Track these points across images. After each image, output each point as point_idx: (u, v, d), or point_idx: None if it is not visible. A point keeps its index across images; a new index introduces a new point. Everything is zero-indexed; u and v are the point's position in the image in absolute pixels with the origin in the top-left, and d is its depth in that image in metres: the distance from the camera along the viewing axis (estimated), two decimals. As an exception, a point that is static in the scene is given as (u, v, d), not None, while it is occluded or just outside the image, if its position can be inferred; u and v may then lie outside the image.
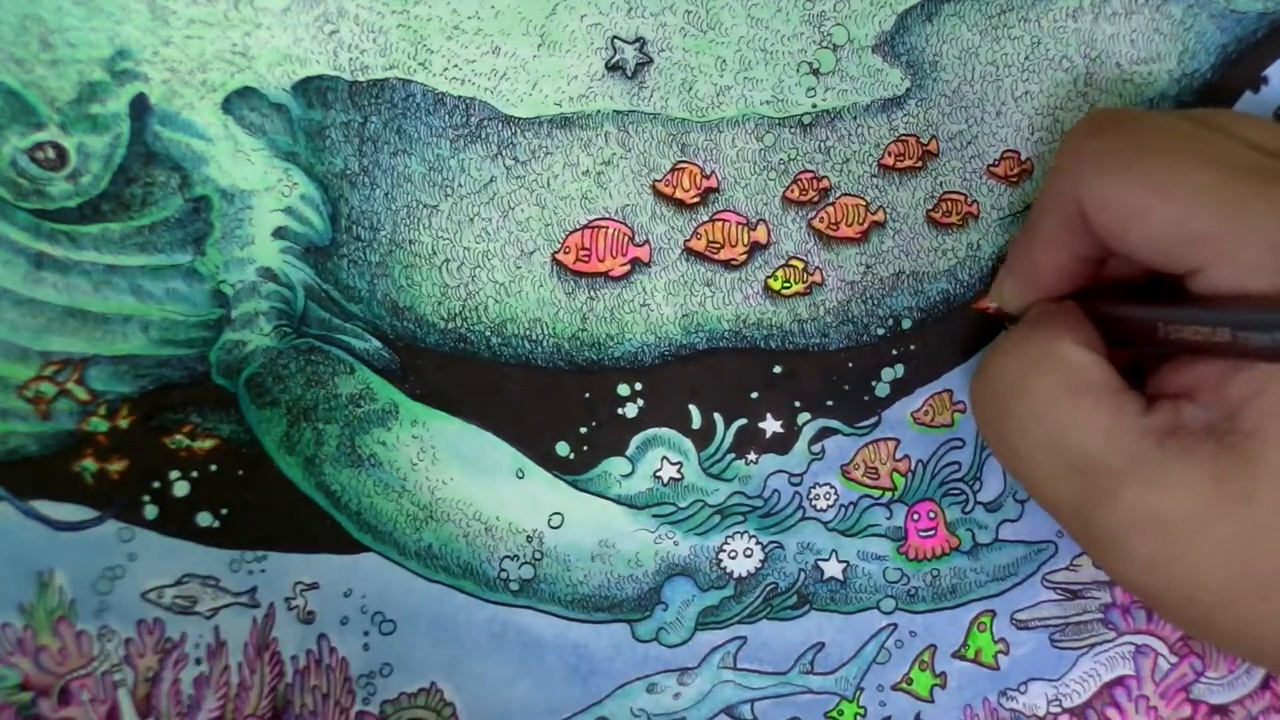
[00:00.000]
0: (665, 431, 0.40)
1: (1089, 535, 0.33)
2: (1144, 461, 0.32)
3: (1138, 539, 0.32)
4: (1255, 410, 0.31)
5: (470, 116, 0.38)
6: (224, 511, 0.38)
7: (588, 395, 0.40)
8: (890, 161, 0.40)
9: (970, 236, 0.41)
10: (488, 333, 0.39)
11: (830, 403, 0.41)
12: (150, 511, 0.37)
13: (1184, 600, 0.32)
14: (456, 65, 0.37)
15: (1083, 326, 0.35)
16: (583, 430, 0.40)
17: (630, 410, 0.40)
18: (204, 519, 0.38)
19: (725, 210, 0.40)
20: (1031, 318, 0.37)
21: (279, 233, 0.37)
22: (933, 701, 0.44)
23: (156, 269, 0.37)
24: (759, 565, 0.42)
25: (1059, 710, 0.45)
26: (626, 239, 0.39)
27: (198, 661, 0.38)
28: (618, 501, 0.40)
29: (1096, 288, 0.38)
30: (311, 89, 0.37)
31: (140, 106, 0.36)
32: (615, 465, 0.40)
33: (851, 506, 0.42)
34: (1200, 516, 0.31)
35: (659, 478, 0.40)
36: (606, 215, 0.39)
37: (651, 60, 0.38)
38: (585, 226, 0.39)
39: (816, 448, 0.41)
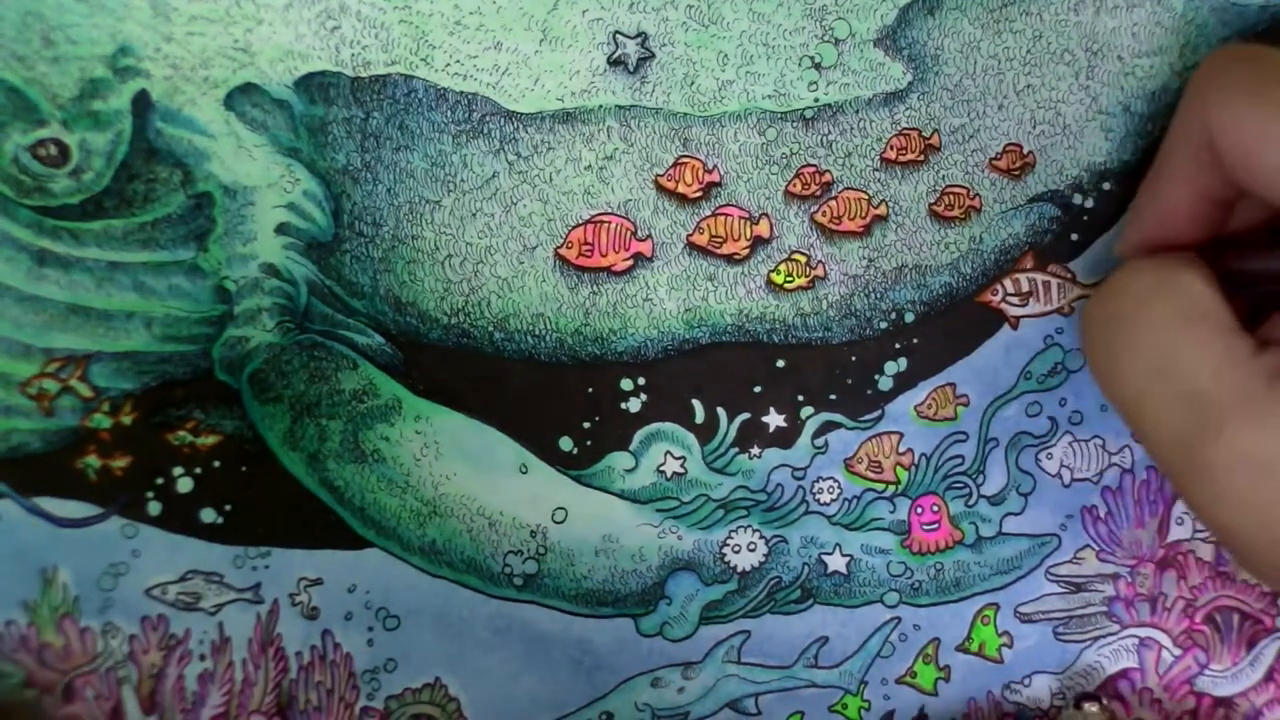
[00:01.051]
0: (668, 426, 0.40)
1: (1186, 468, 0.33)
2: (1252, 399, 0.31)
3: (1235, 476, 0.31)
4: None
5: (472, 112, 0.38)
6: (228, 508, 0.38)
7: (591, 390, 0.40)
8: (892, 155, 0.40)
9: (973, 230, 0.41)
10: (491, 328, 0.39)
11: (833, 396, 0.41)
12: (154, 508, 0.37)
13: (1271, 543, 0.32)
14: (458, 61, 0.37)
15: (1202, 265, 0.35)
16: (586, 425, 0.40)
17: (633, 405, 0.40)
18: (207, 515, 0.38)
19: (728, 205, 0.40)
20: (1156, 255, 0.36)
21: (281, 229, 0.37)
22: (937, 695, 0.44)
23: (159, 265, 0.37)
24: (763, 559, 0.42)
25: (1063, 703, 0.45)
26: (629, 234, 0.39)
27: (202, 658, 0.38)
28: (621, 496, 0.40)
29: (1219, 242, 0.37)
30: (313, 85, 0.37)
31: (142, 103, 0.36)
32: (619, 460, 0.40)
33: (855, 500, 0.42)
34: None
35: (662, 472, 0.40)
36: (609, 210, 0.39)
37: (653, 55, 0.38)
38: (588, 221, 0.39)
39: (820, 441, 0.41)
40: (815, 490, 0.42)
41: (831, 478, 0.42)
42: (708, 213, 0.40)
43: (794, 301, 0.40)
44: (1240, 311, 0.35)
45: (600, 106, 0.38)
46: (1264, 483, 0.31)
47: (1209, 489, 0.32)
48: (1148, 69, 0.42)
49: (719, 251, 0.40)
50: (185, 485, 0.37)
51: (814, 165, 0.40)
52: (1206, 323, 0.33)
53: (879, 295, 0.41)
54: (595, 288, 0.39)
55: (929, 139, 0.41)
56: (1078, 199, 0.42)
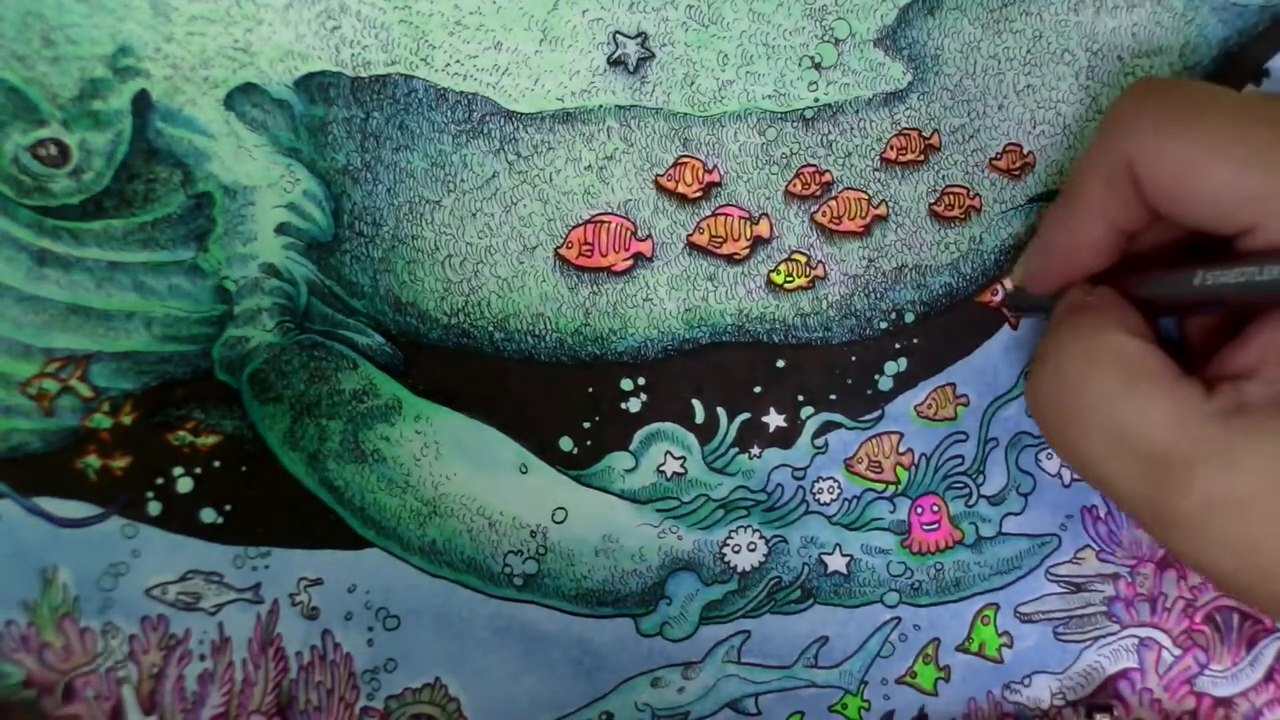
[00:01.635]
0: (668, 426, 0.40)
1: (1163, 525, 0.33)
2: (1212, 445, 0.31)
3: (1214, 522, 0.31)
4: None
5: (472, 112, 0.38)
6: (227, 508, 0.38)
7: (591, 390, 0.40)
8: (892, 155, 0.40)
9: (972, 230, 0.41)
10: (490, 328, 0.39)
11: (833, 396, 0.41)
12: (154, 508, 0.37)
13: (1265, 579, 0.32)
14: (458, 61, 0.37)
15: (1128, 313, 0.35)
16: (586, 425, 0.40)
17: (633, 405, 0.40)
18: (207, 515, 0.38)
19: (727, 205, 0.40)
20: (1070, 308, 0.36)
21: (281, 229, 0.37)
22: (937, 695, 0.44)
23: (159, 265, 0.37)
24: (763, 559, 0.42)
25: (1063, 703, 0.45)
26: (629, 234, 0.39)
27: (202, 658, 0.38)
28: (621, 496, 0.40)
29: (1118, 266, 0.37)
30: (314, 85, 0.37)
31: (142, 103, 0.36)
32: (619, 460, 0.40)
33: (855, 500, 0.42)
34: (1276, 492, 0.31)
35: (662, 472, 0.40)
36: (609, 210, 0.39)
37: (653, 55, 0.38)
38: (588, 221, 0.39)
39: (820, 441, 0.41)
40: (815, 490, 0.42)
41: (831, 478, 0.42)
42: (708, 213, 0.40)
43: (794, 301, 0.40)
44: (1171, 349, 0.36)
45: (600, 106, 0.38)
46: (1243, 521, 0.31)
47: (1192, 540, 0.32)
48: (1148, 69, 0.42)
49: (719, 251, 0.40)
50: (185, 485, 0.37)
51: (814, 165, 0.40)
52: (1150, 381, 0.33)
53: (879, 295, 0.41)
54: (595, 288, 0.39)
55: (929, 139, 0.41)
56: (1078, 199, 0.42)
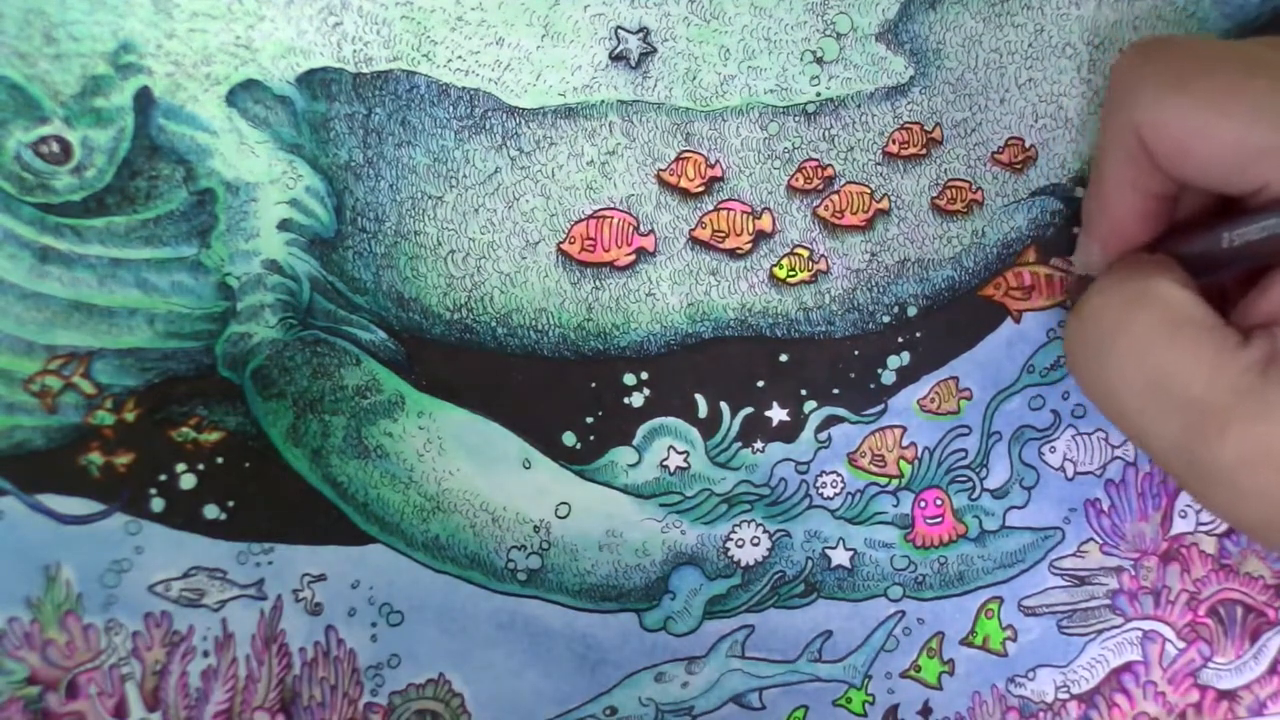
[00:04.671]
0: (672, 421, 0.40)
1: (1196, 474, 0.32)
2: (1249, 395, 0.31)
3: (1249, 473, 0.31)
4: None
5: (474, 108, 0.38)
6: (231, 504, 0.38)
7: (594, 385, 0.40)
8: (895, 149, 0.40)
9: (975, 223, 0.41)
10: (493, 323, 0.39)
11: (836, 391, 0.41)
12: (157, 504, 0.37)
13: None
14: (460, 56, 0.37)
15: (1173, 266, 0.35)
16: (589, 420, 0.40)
17: (636, 400, 0.40)
18: (211, 511, 0.38)
19: (730, 199, 0.40)
20: (1120, 264, 0.36)
21: (284, 225, 0.37)
22: (941, 689, 0.44)
23: (161, 262, 0.37)
24: (766, 554, 0.42)
25: (1067, 696, 0.45)
26: (631, 228, 0.39)
27: (205, 654, 0.38)
28: (625, 491, 0.40)
29: (1167, 231, 0.37)
30: (315, 81, 0.37)
31: (144, 100, 0.36)
32: (622, 455, 0.40)
33: (858, 494, 0.42)
34: None
35: (666, 467, 0.40)
36: (611, 205, 0.39)
37: (655, 50, 0.38)
38: (590, 216, 0.39)
39: (823, 436, 0.41)
40: (819, 484, 0.42)
41: (835, 472, 0.42)
42: (710, 207, 0.40)
43: (796, 295, 0.40)
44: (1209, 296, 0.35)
45: (602, 102, 0.38)
46: (1277, 474, 0.31)
47: (1226, 491, 0.32)
48: (1149, 62, 0.42)
49: (722, 246, 0.40)
50: (189, 482, 0.37)
51: (816, 159, 0.40)
52: (1189, 328, 0.33)
53: (881, 289, 0.41)
54: (598, 283, 0.39)
55: (931, 133, 0.41)
56: (1080, 192, 0.42)
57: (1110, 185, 0.36)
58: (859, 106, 0.40)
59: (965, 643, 0.44)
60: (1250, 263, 0.34)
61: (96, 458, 0.37)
